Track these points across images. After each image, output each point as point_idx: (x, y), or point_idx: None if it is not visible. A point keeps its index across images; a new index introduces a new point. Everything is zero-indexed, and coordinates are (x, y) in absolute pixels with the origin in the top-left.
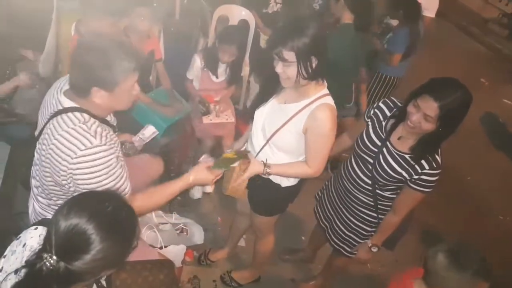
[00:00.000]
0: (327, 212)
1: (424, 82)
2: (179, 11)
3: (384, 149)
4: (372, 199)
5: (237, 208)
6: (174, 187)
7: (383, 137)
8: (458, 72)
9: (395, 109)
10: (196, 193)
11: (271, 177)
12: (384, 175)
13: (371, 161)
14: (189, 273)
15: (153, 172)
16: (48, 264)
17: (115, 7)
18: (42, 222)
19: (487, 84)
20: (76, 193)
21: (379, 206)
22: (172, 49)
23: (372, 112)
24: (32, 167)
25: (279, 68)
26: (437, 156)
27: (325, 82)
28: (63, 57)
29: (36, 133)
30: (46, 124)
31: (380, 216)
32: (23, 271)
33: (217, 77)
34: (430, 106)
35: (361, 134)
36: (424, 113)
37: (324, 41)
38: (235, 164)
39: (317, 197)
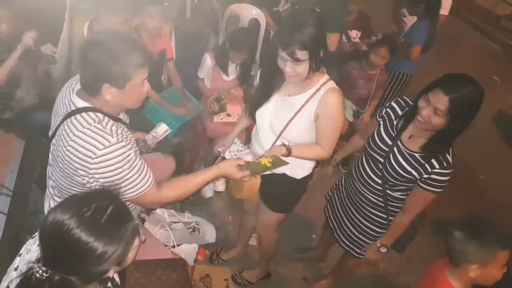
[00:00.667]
0: (337, 212)
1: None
2: (190, 11)
3: (395, 148)
4: (382, 200)
5: (245, 208)
6: (202, 177)
7: (394, 136)
8: (470, 70)
9: (407, 108)
10: (208, 192)
11: (287, 171)
12: (394, 174)
13: (382, 160)
14: (201, 272)
15: (164, 171)
16: (38, 275)
17: (127, 6)
18: None
19: (499, 81)
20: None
21: (389, 207)
22: (183, 49)
23: (384, 111)
24: (48, 167)
25: (288, 67)
26: (448, 156)
27: (323, 67)
28: (76, 56)
29: (50, 133)
30: (60, 125)
31: (390, 217)
32: (18, 278)
33: (227, 75)
34: (440, 100)
35: (372, 133)
36: (435, 107)
37: (324, 30)
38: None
39: (327, 196)
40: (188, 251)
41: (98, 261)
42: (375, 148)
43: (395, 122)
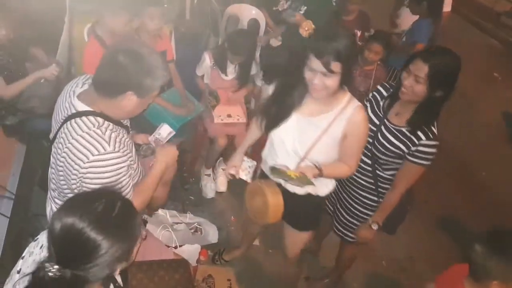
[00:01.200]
0: (330, 198)
1: None
2: (190, 11)
3: (382, 127)
4: (372, 181)
5: (249, 218)
6: (151, 175)
7: (381, 115)
8: (471, 67)
9: (391, 89)
10: (210, 193)
11: (311, 191)
12: (383, 150)
13: (371, 140)
14: (203, 272)
15: (167, 172)
16: (51, 274)
17: (127, 8)
18: None
19: (500, 78)
20: None
21: (379, 189)
22: (183, 50)
23: (371, 95)
24: (49, 170)
25: (318, 79)
26: (433, 128)
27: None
28: (76, 59)
29: (51, 136)
30: (60, 127)
31: (380, 199)
32: (28, 278)
33: (226, 75)
34: (420, 68)
35: None
36: (415, 75)
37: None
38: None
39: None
40: (190, 251)
41: (110, 257)
42: None
43: (381, 103)
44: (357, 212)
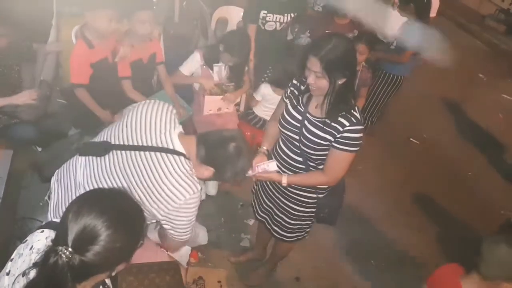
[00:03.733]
0: (264, 204)
1: (426, 80)
2: (179, 14)
3: (306, 121)
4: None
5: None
6: None
7: (303, 110)
8: (457, 68)
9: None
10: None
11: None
12: (311, 145)
13: (297, 137)
14: (194, 274)
15: None
16: (64, 257)
17: (116, 11)
18: (48, 225)
19: (486, 79)
20: None
21: None
22: (172, 52)
23: (288, 91)
24: (83, 161)
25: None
26: (355, 113)
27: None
28: (63, 61)
29: (114, 141)
30: (147, 149)
31: (319, 195)
32: (33, 271)
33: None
34: (313, 63)
35: (282, 114)
36: (313, 72)
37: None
38: None
39: (253, 190)
40: (181, 253)
41: (122, 255)
42: (288, 126)
43: (300, 98)
44: (296, 213)
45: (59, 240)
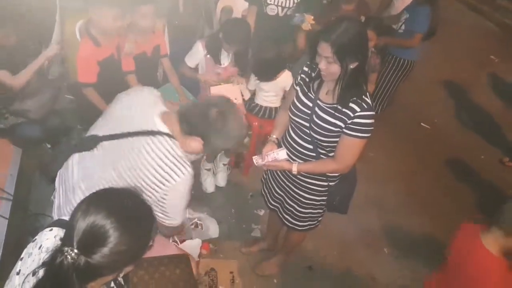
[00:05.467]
0: (275, 192)
1: (437, 63)
2: (183, 4)
3: (316, 108)
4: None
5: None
6: None
7: (313, 97)
8: (469, 50)
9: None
10: (209, 187)
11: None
12: (322, 131)
13: (307, 124)
14: (206, 265)
15: None
16: (69, 258)
17: (119, 5)
18: (57, 223)
19: (497, 61)
20: None
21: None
22: (177, 43)
23: (299, 78)
24: (78, 157)
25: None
26: (366, 98)
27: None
28: (68, 56)
29: (101, 133)
30: (134, 135)
31: (330, 183)
32: (42, 270)
33: (220, 64)
34: (324, 48)
35: (292, 101)
36: (325, 57)
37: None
38: None
39: (263, 180)
40: (192, 246)
41: (130, 257)
42: (298, 113)
43: (310, 85)
44: (307, 201)
45: (66, 240)
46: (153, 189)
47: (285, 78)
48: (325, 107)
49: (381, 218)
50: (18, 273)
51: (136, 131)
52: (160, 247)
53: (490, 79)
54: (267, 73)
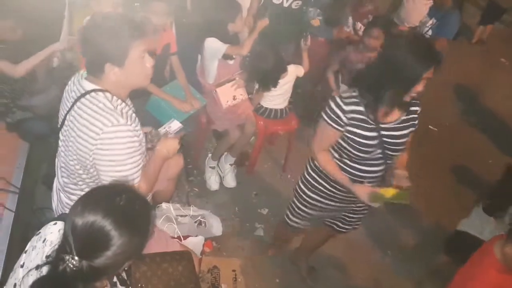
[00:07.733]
0: (330, 216)
1: (446, 65)
2: (191, 2)
3: (384, 135)
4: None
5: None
6: (153, 162)
7: (375, 127)
8: (478, 53)
9: (358, 101)
10: (214, 185)
11: None
12: (398, 148)
13: (379, 150)
14: (208, 263)
15: (173, 167)
16: (71, 266)
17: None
18: (61, 217)
19: (508, 63)
20: (97, 180)
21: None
22: (185, 40)
23: (344, 119)
24: (57, 159)
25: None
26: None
27: None
28: (77, 53)
29: (59, 124)
30: (69, 110)
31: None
32: (45, 269)
33: (230, 60)
34: (431, 71)
35: (351, 144)
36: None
37: None
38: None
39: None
40: (195, 243)
41: (126, 252)
42: (370, 150)
43: (364, 117)
44: (365, 206)
45: (65, 246)
46: (88, 142)
47: (291, 72)
48: (392, 127)
49: (385, 220)
50: (22, 266)
51: (72, 102)
52: (163, 244)
53: (500, 81)
54: (268, 83)
